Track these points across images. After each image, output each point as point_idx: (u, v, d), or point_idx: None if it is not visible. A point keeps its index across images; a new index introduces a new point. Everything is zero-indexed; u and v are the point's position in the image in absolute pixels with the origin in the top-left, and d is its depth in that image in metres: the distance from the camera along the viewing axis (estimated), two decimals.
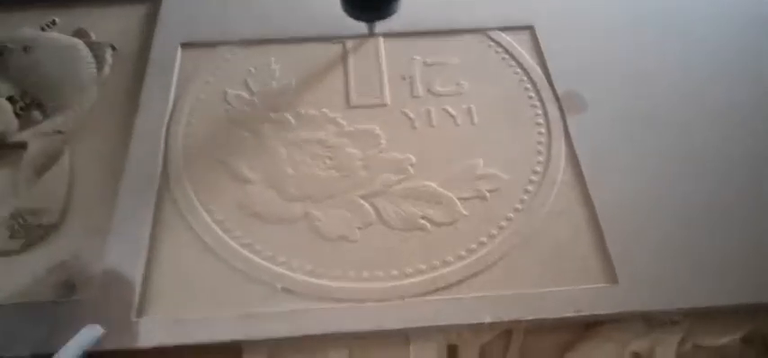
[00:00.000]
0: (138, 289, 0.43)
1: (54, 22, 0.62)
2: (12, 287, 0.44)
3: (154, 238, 0.46)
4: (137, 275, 0.44)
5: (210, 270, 0.45)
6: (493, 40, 0.60)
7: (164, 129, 0.52)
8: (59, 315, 0.42)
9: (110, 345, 0.41)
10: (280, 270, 0.45)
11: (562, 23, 0.61)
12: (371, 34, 0.59)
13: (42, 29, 0.61)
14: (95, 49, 0.59)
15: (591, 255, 0.46)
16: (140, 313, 0.43)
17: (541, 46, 0.59)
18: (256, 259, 0.45)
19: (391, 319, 0.42)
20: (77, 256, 0.45)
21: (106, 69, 0.58)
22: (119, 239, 0.46)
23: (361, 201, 0.49)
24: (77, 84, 0.56)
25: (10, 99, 0.54)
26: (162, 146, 0.51)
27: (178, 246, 0.46)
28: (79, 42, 0.59)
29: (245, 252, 0.46)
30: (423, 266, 0.45)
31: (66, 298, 0.43)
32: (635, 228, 0.47)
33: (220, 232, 0.47)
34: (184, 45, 0.59)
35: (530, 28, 0.61)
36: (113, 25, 0.62)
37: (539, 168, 0.51)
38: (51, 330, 0.41)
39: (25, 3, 0.63)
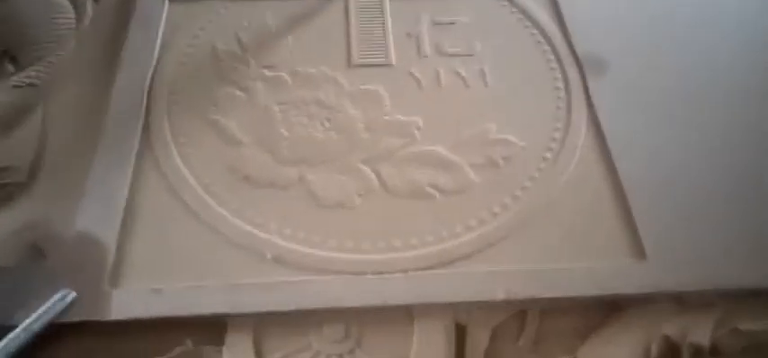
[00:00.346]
0: (112, 256, 0.39)
1: None
2: None
3: (131, 201, 0.42)
4: (111, 241, 0.40)
5: (193, 236, 0.40)
6: None
7: (147, 85, 0.48)
8: (25, 281, 0.38)
9: (79, 317, 0.37)
10: (270, 237, 0.40)
11: None
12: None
13: None
14: None
15: (616, 228, 0.41)
16: (114, 282, 0.38)
17: (559, 3, 0.54)
18: (244, 225, 0.41)
19: (393, 294, 0.38)
20: (47, 218, 0.41)
21: (86, 21, 0.53)
22: (93, 201, 0.41)
23: (362, 166, 0.44)
24: (54, 35, 0.51)
25: None
26: (144, 102, 0.47)
27: (158, 210, 0.41)
28: None
29: (233, 217, 0.41)
30: (429, 237, 0.41)
31: (34, 262, 0.39)
32: (664, 200, 0.42)
33: (205, 195, 0.42)
34: None
35: None
36: None
37: (557, 134, 0.46)
38: (16, 297, 0.37)
39: None
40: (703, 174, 0.44)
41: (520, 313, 0.39)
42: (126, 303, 0.37)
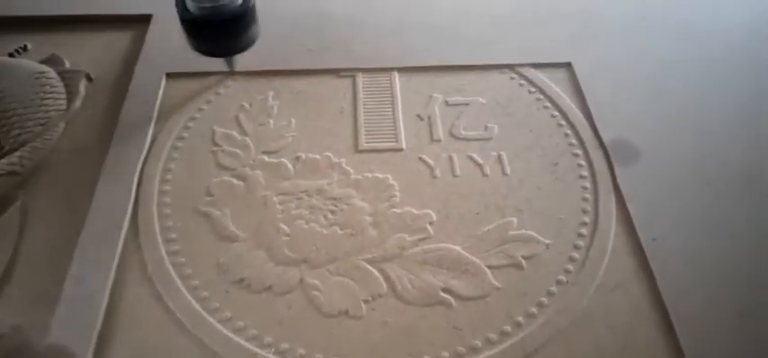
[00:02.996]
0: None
1: (25, 48, 0.54)
2: None
3: (111, 309, 0.37)
4: (87, 354, 0.35)
5: (180, 352, 0.36)
6: (525, 77, 0.52)
7: (136, 174, 0.44)
8: None
9: None
10: (265, 354, 0.36)
11: (605, 60, 0.53)
12: (232, 71, 0.51)
13: (11, 55, 0.54)
14: (67, 78, 0.51)
15: (656, 341, 0.36)
16: None
17: (581, 85, 0.51)
18: (237, 339, 0.36)
19: None
20: (17, 329, 0.37)
21: (78, 102, 0.50)
22: (70, 307, 0.37)
23: (369, 267, 0.40)
24: (42, 117, 0.48)
25: None
26: (133, 192, 0.43)
27: (141, 319, 0.37)
28: (49, 71, 0.51)
29: (224, 329, 0.37)
30: (445, 353, 0.36)
31: None
32: (708, 307, 0.37)
33: (195, 303, 0.38)
34: (170, 75, 0.51)
35: (567, 65, 0.53)
36: (94, 53, 0.54)
37: (585, 231, 0.42)
38: None
39: None
40: (748, 277, 0.39)
41: None
42: None
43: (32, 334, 0.36)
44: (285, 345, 0.36)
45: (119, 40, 0.56)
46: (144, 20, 0.57)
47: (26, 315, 0.37)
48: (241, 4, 0.44)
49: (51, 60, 0.53)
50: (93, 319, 0.36)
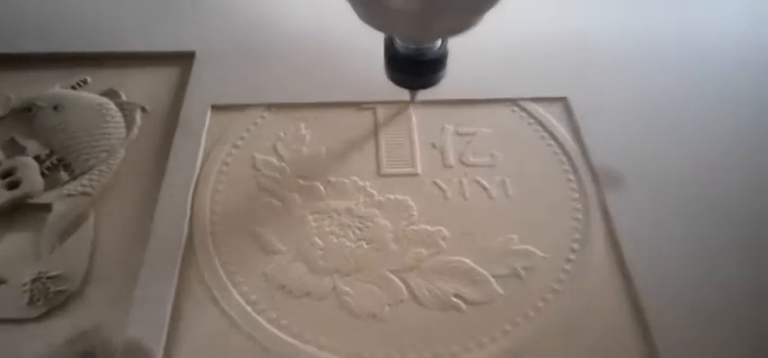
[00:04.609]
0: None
1: (85, 82, 0.62)
2: None
3: (176, 310, 0.44)
4: (159, 348, 0.42)
5: (234, 344, 0.43)
6: (526, 110, 0.59)
7: (190, 196, 0.51)
8: None
9: None
10: (307, 347, 0.43)
11: (599, 93, 0.60)
12: (412, 101, 0.59)
13: (73, 88, 0.61)
14: (125, 109, 0.59)
15: (634, 344, 0.43)
16: None
17: (576, 117, 0.58)
18: (282, 335, 0.43)
19: None
20: (98, 327, 0.44)
21: (135, 130, 0.57)
22: (141, 309, 0.44)
23: (392, 277, 0.47)
24: (105, 144, 0.55)
25: (37, 158, 0.54)
26: (188, 212, 0.50)
27: (201, 318, 0.44)
28: (109, 103, 0.59)
29: (271, 327, 0.44)
30: (456, 348, 0.43)
31: None
32: (687, 324, 0.44)
33: (246, 305, 0.45)
34: (214, 107, 0.59)
35: (563, 99, 0.60)
36: (146, 86, 0.62)
37: (576, 246, 0.49)
38: None
39: (59, 62, 0.64)
40: (728, 298, 0.46)
41: None
42: None
43: (111, 331, 0.44)
44: (323, 340, 0.43)
45: (167, 75, 0.63)
46: (188, 56, 0.64)
47: (105, 315, 0.44)
48: (438, 50, 0.51)
49: (109, 93, 0.60)
50: (162, 319, 0.44)
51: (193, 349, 0.43)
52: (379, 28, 0.46)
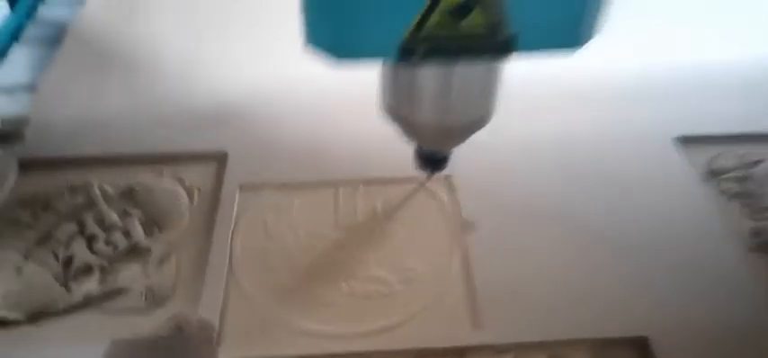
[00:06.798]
0: (217, 327, 0.80)
1: (162, 173, 1.01)
2: (146, 331, 0.81)
3: (223, 314, 0.82)
4: (216, 323, 0.80)
5: (274, 336, 0.81)
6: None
7: (229, 240, 0.90)
8: (172, 344, 0.78)
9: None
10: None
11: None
12: (428, 178, 0.93)
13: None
14: (188, 190, 0.98)
15: (463, 309, 0.81)
16: (219, 342, 0.79)
17: (453, 184, 0.97)
18: (305, 338, 0.82)
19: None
20: (183, 312, 0.82)
21: (194, 202, 0.96)
22: (205, 305, 0.82)
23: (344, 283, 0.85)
24: (178, 213, 0.94)
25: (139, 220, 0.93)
26: (228, 250, 0.89)
27: (244, 322, 0.82)
28: (179, 186, 0.98)
29: (297, 330, 0.82)
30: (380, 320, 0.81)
31: (178, 334, 0.80)
32: (505, 293, 0.82)
33: (277, 311, 0.83)
34: (242, 187, 0.98)
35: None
36: (200, 174, 1.01)
37: (447, 264, 0.87)
38: (170, 353, 0.77)
39: (136, 161, 1.03)
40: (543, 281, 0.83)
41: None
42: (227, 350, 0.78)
43: (190, 314, 0.82)
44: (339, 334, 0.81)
45: (210, 167, 1.03)
46: (223, 156, 1.04)
47: (185, 307, 0.83)
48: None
49: (180, 181, 1.00)
50: (216, 308, 0.82)
51: (239, 344, 0.80)
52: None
